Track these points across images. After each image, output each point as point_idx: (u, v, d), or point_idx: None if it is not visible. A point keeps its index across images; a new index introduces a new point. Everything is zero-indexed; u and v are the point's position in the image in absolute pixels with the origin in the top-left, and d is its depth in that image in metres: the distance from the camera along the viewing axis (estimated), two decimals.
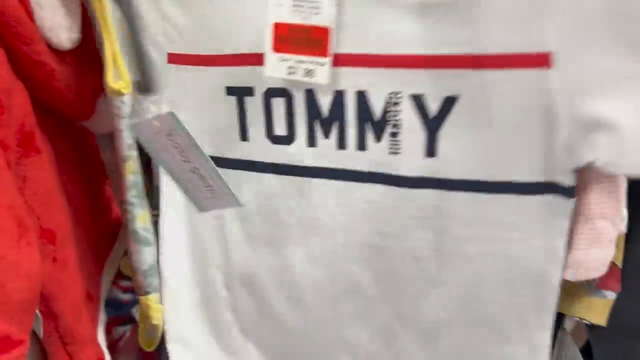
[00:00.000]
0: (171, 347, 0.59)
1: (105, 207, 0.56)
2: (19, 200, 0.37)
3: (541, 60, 0.42)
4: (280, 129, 0.51)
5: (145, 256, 0.47)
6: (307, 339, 0.58)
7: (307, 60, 0.47)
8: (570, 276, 0.47)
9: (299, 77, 0.47)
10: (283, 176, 0.53)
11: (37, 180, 0.40)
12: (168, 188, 0.56)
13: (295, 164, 0.52)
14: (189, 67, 0.53)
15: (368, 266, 0.53)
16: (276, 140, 0.52)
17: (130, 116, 0.44)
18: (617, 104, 0.41)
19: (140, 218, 0.45)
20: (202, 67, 0.52)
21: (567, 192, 0.45)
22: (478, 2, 0.43)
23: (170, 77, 0.54)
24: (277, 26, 0.47)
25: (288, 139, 0.52)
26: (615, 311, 0.51)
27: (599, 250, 0.47)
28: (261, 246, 0.56)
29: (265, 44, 0.47)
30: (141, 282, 0.47)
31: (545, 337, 0.49)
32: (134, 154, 0.44)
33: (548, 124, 0.44)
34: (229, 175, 0.54)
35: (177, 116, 0.48)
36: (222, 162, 0.54)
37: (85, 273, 0.47)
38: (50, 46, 0.40)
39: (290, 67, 0.47)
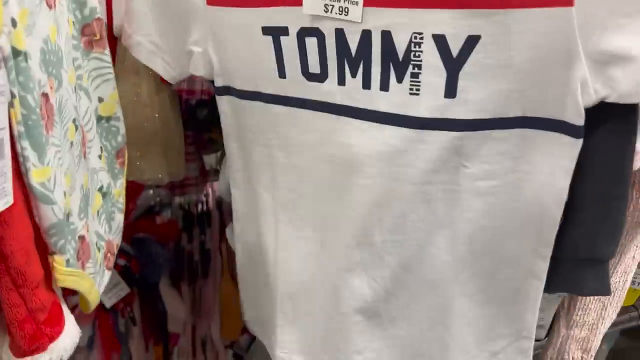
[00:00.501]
0: (237, 245, 0.72)
1: None
2: None
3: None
4: (314, 67, 0.53)
5: (45, 214, 0.43)
6: (316, 283, 0.60)
7: None
8: None
9: (334, 14, 0.49)
10: (316, 112, 0.55)
11: None
12: (228, 120, 0.63)
13: (327, 100, 0.54)
14: (226, 8, 0.55)
15: (378, 213, 0.54)
16: (311, 77, 0.54)
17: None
18: (632, 37, 0.42)
19: (36, 173, 0.42)
20: (238, 8, 0.55)
21: (576, 131, 0.47)
22: None
23: (210, 18, 0.57)
24: None
25: (321, 77, 0.53)
26: (564, 243, 0.52)
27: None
28: (299, 174, 0.59)
29: None
30: (45, 240, 0.44)
31: (543, 266, 0.52)
32: (17, 101, 0.40)
33: (567, 61, 0.45)
34: (268, 109, 0.58)
35: None
36: (262, 97, 0.58)
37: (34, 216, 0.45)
38: None
39: (326, 5, 0.50)
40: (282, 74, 0.55)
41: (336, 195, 0.56)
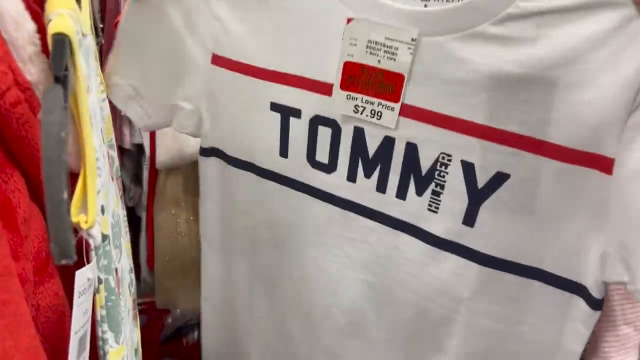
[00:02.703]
0: (204, 305, 0.68)
1: None
2: (36, 342, 0.35)
3: (604, 165, 0.41)
4: (321, 156, 0.51)
5: None
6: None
7: (375, 102, 0.46)
8: None
9: (364, 116, 0.47)
10: (316, 200, 0.52)
11: (50, 307, 0.38)
12: (209, 183, 0.60)
13: (330, 192, 0.51)
14: (234, 73, 0.52)
15: (378, 307, 0.53)
16: (316, 165, 0.51)
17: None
18: None
19: (113, 354, 0.41)
20: (247, 77, 0.51)
21: (594, 303, 0.44)
22: (562, 89, 0.40)
23: (211, 78, 0.53)
24: (348, 65, 0.46)
25: (328, 168, 0.51)
26: None
27: (623, 356, 0.47)
28: (282, 253, 0.56)
29: (335, 80, 0.47)
30: None
31: None
32: (102, 286, 0.40)
33: (591, 228, 0.42)
34: (260, 183, 0.55)
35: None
36: (255, 169, 0.55)
37: None
38: None
39: (356, 106, 0.47)
40: (283, 153, 0.52)
41: (327, 281, 0.54)
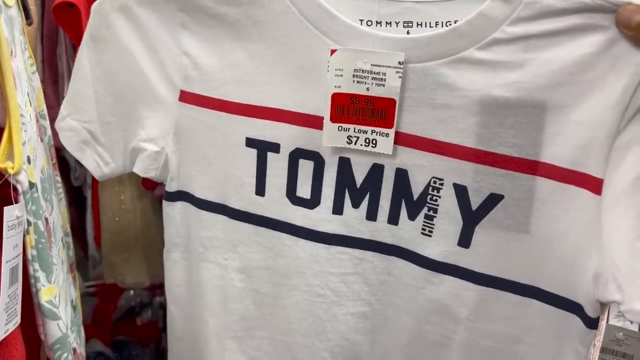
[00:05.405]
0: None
1: None
2: None
3: (593, 185, 0.42)
4: (303, 191, 0.50)
5: (51, 329, 0.46)
6: None
7: (368, 130, 0.46)
8: None
9: (358, 146, 0.47)
10: (298, 239, 0.50)
11: None
12: (175, 229, 0.57)
13: (315, 228, 0.50)
14: (204, 109, 0.50)
15: (372, 336, 0.52)
16: (297, 201, 0.50)
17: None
18: None
19: (45, 292, 0.46)
20: (219, 112, 0.50)
21: (589, 321, 0.45)
22: (550, 111, 0.41)
23: (178, 116, 0.52)
24: (336, 96, 0.46)
25: (311, 203, 0.50)
26: None
27: None
28: (259, 301, 0.54)
29: (324, 113, 0.46)
30: (49, 356, 0.47)
31: None
32: (32, 228, 0.45)
33: (584, 247, 0.43)
34: (232, 225, 0.53)
35: None
36: (226, 211, 0.53)
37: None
38: None
39: (349, 137, 0.47)
40: (260, 191, 0.50)
41: (314, 327, 0.52)
